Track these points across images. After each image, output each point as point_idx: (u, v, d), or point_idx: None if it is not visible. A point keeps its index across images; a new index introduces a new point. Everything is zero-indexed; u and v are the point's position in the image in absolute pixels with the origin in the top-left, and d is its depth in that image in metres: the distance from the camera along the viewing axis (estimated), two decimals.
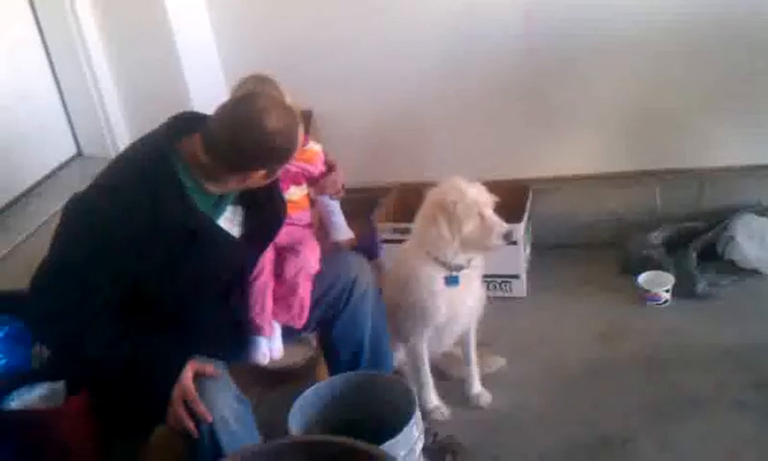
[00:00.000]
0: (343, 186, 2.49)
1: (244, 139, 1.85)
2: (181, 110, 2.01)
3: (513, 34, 3.34)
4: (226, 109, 1.90)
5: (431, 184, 2.96)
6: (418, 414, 2.04)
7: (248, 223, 2.11)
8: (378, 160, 3.72)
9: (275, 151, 1.89)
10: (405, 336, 2.65)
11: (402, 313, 2.61)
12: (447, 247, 2.51)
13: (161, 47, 3.27)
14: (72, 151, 3.40)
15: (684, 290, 3.12)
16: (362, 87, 3.60)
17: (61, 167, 3.32)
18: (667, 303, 3.12)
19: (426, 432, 2.50)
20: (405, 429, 1.94)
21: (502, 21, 3.33)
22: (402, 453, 1.93)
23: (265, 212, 2.13)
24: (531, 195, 3.42)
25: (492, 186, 3.37)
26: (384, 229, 3.31)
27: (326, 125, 3.66)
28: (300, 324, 2.31)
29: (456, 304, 2.58)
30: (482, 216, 2.48)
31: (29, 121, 3.11)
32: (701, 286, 3.10)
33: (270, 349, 2.31)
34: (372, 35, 3.49)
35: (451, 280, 2.54)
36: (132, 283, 1.90)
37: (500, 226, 2.47)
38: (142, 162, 1.91)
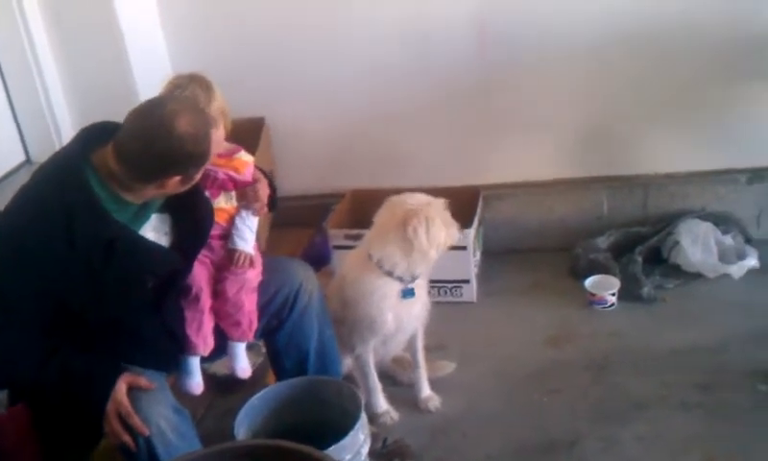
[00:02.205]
0: (268, 204, 2.33)
1: (154, 146, 1.81)
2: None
3: (464, 42, 3.38)
4: (134, 116, 1.85)
5: (383, 191, 2.98)
6: (363, 418, 2.04)
7: (176, 230, 2.08)
8: (331, 168, 3.73)
9: (186, 156, 1.85)
10: (351, 346, 2.65)
11: (348, 325, 2.61)
12: (420, 257, 2.52)
13: (111, 50, 3.23)
14: (21, 158, 3.33)
15: (629, 293, 3.18)
16: (314, 96, 3.60)
17: (9, 174, 3.25)
18: (614, 307, 3.17)
19: (375, 437, 2.51)
20: (350, 433, 1.94)
21: (454, 30, 3.37)
22: (348, 457, 1.94)
23: (192, 218, 2.09)
24: (481, 200, 3.45)
25: (444, 192, 3.42)
26: (336, 235, 3.30)
27: (279, 133, 3.68)
28: (251, 337, 2.30)
29: (403, 315, 2.59)
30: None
31: None
32: (646, 290, 3.16)
33: (238, 367, 2.30)
34: (325, 43, 3.49)
35: (407, 293, 2.55)
36: (56, 299, 1.86)
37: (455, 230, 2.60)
38: (54, 177, 1.88)
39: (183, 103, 1.92)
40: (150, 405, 1.90)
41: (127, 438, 1.86)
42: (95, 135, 1.92)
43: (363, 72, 3.51)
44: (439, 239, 2.52)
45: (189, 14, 3.53)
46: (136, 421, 1.86)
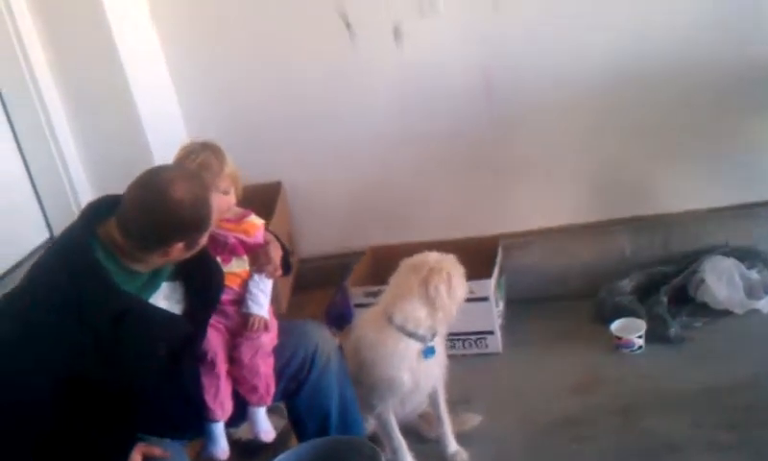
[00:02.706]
0: (281, 266, 2.32)
1: (152, 216, 1.85)
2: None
3: (472, 92, 3.41)
4: (132, 188, 1.90)
5: (402, 246, 3.01)
6: None
7: (188, 297, 2.10)
8: (349, 227, 3.76)
9: (185, 222, 1.88)
10: (370, 406, 2.63)
11: (366, 387, 2.60)
12: (443, 314, 2.54)
13: (126, 122, 3.30)
14: (45, 235, 3.40)
15: (656, 335, 3.13)
16: (329, 158, 3.66)
17: (35, 252, 3.31)
18: (641, 350, 3.12)
19: None
20: None
21: (461, 80, 3.41)
22: None
23: (203, 284, 2.11)
24: (500, 250, 3.45)
25: (462, 244, 3.45)
26: (357, 293, 3.31)
27: (296, 196, 3.74)
28: (269, 401, 2.30)
29: (421, 374, 2.58)
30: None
31: None
32: (673, 330, 3.11)
33: (260, 430, 2.31)
34: (336, 106, 3.55)
35: (429, 352, 2.55)
36: (69, 377, 1.87)
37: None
38: (61, 254, 1.92)
39: (179, 170, 1.96)
40: None
41: None
42: (100, 209, 1.96)
43: (373, 131, 3.56)
44: (460, 295, 2.54)
45: (203, 82, 3.63)
46: None
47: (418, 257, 2.64)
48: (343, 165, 3.65)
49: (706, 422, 2.63)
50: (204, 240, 1.99)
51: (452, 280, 2.54)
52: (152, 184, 1.88)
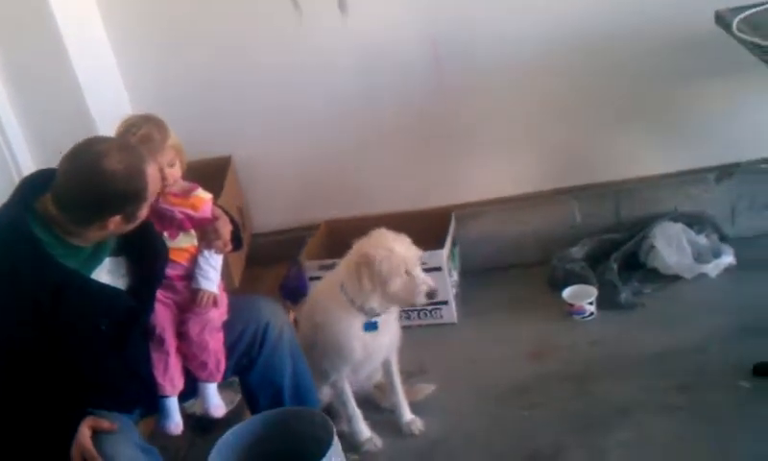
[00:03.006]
0: (232, 241, 2.29)
1: (85, 187, 1.82)
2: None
3: (421, 61, 3.37)
4: (64, 161, 1.86)
5: (355, 220, 3.00)
6: (336, 444, 2.01)
7: (132, 272, 2.08)
8: (303, 201, 3.72)
9: (118, 195, 1.85)
10: (324, 374, 2.63)
11: (318, 352, 2.60)
12: (370, 298, 2.52)
13: (67, 95, 3.22)
14: None
15: (607, 301, 3.17)
16: (279, 130, 3.60)
17: None
18: (593, 316, 3.15)
19: None
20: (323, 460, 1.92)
21: (409, 49, 3.36)
22: None
23: (146, 259, 2.09)
24: (453, 221, 3.45)
25: (416, 215, 3.44)
26: (311, 266, 3.29)
27: (248, 169, 3.68)
28: (219, 377, 2.29)
29: (371, 345, 2.59)
30: (408, 274, 2.48)
31: None
32: (624, 296, 3.15)
33: (210, 405, 2.30)
34: (283, 77, 3.49)
35: (370, 326, 2.54)
36: (10, 350, 1.85)
37: (425, 284, 2.48)
38: None
39: (112, 142, 1.93)
40: (114, 446, 1.89)
41: None
42: (35, 184, 1.93)
43: (324, 103, 3.51)
44: (390, 288, 2.48)
45: (147, 54, 3.53)
46: None
47: (362, 242, 2.59)
48: (293, 138, 3.60)
49: (656, 385, 2.67)
50: (143, 213, 1.95)
51: (381, 270, 2.47)
52: (84, 157, 1.85)
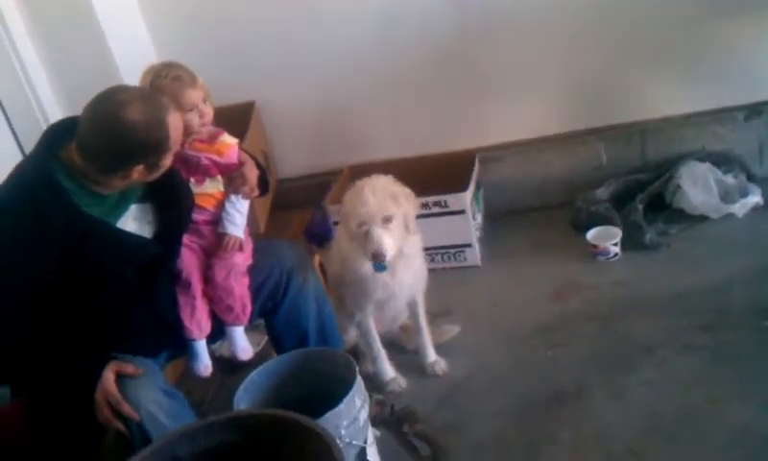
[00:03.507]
0: (258, 186, 2.33)
1: (107, 138, 1.84)
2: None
3: (445, 4, 3.34)
4: (87, 111, 1.88)
5: (379, 164, 3.00)
6: (359, 384, 2.04)
7: (159, 218, 2.10)
8: (327, 146, 3.74)
9: (140, 144, 1.86)
10: (350, 311, 2.67)
11: (344, 289, 2.65)
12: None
13: (92, 44, 3.25)
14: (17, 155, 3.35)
15: (632, 242, 3.16)
16: (304, 76, 3.60)
17: None
18: (617, 257, 3.15)
19: (383, 404, 2.54)
20: (344, 400, 1.95)
21: None
22: (345, 423, 1.94)
23: (172, 205, 2.11)
24: (477, 163, 3.44)
25: (440, 158, 3.44)
26: (335, 211, 3.31)
27: (272, 115, 3.70)
28: (245, 320, 2.33)
29: (391, 284, 2.60)
30: (362, 226, 2.43)
31: None
32: (649, 236, 3.14)
33: (238, 348, 2.35)
34: (308, 21, 3.49)
35: (377, 267, 2.52)
36: (40, 295, 1.89)
37: (373, 244, 2.40)
38: (21, 177, 1.92)
39: (132, 92, 1.93)
40: (138, 391, 1.94)
41: (118, 424, 1.92)
42: (60, 133, 1.95)
43: (349, 48, 3.50)
44: (352, 237, 2.50)
45: (171, 8, 3.54)
46: (125, 407, 1.91)
47: (357, 184, 2.54)
48: (317, 84, 3.60)
49: (680, 325, 2.67)
50: (166, 162, 1.97)
51: (343, 219, 2.52)
52: (105, 106, 1.86)
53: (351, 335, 2.77)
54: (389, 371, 2.73)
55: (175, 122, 1.94)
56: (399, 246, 2.48)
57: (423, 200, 3.06)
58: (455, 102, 3.53)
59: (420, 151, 3.49)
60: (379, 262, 2.43)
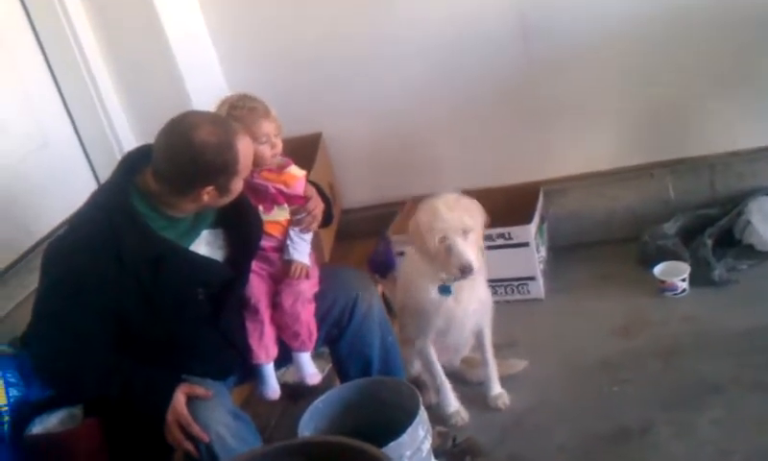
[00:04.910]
0: (323, 217, 2.39)
1: (178, 159, 1.91)
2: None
3: (509, 34, 3.36)
4: (160, 135, 1.96)
5: None
6: (423, 414, 2.06)
7: (229, 244, 2.17)
8: (390, 177, 3.77)
9: (210, 165, 1.92)
10: (412, 338, 2.69)
11: (408, 317, 2.68)
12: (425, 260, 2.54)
13: (168, 80, 3.38)
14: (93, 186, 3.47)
15: (701, 278, 3.10)
16: (370, 108, 3.66)
17: None
18: (685, 293, 3.10)
19: (446, 436, 2.55)
20: (408, 430, 1.96)
21: (497, 24, 3.36)
22: (408, 453, 1.96)
23: (242, 231, 2.18)
24: (541, 196, 3.44)
25: (504, 191, 3.45)
26: (398, 241, 3.35)
27: (337, 146, 3.76)
28: (311, 346, 2.38)
29: (454, 310, 2.61)
30: (444, 241, 2.44)
31: (51, 169, 3.16)
32: (717, 272, 3.08)
33: (305, 374, 2.39)
34: (373, 55, 3.55)
35: (443, 290, 2.55)
36: (115, 317, 1.96)
37: (459, 257, 2.41)
38: (101, 202, 2.00)
39: (203, 115, 2.01)
40: (208, 413, 1.98)
41: (188, 445, 1.96)
42: (136, 159, 2.05)
43: (413, 78, 3.54)
44: (428, 251, 2.49)
45: (242, 36, 3.65)
46: (195, 429, 1.95)
47: (428, 200, 2.56)
48: (383, 117, 3.65)
49: (749, 362, 2.61)
50: (237, 186, 2.04)
51: (415, 233, 2.52)
52: (177, 129, 1.94)
53: (416, 367, 2.79)
54: (453, 402, 2.73)
55: (245, 146, 2.01)
56: (480, 261, 2.49)
57: (488, 232, 3.06)
58: (520, 133, 3.54)
59: (484, 183, 3.49)
60: (467, 274, 2.43)
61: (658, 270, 3.16)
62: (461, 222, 2.44)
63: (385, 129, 3.67)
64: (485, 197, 3.44)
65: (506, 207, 3.33)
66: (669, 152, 3.45)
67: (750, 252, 3.19)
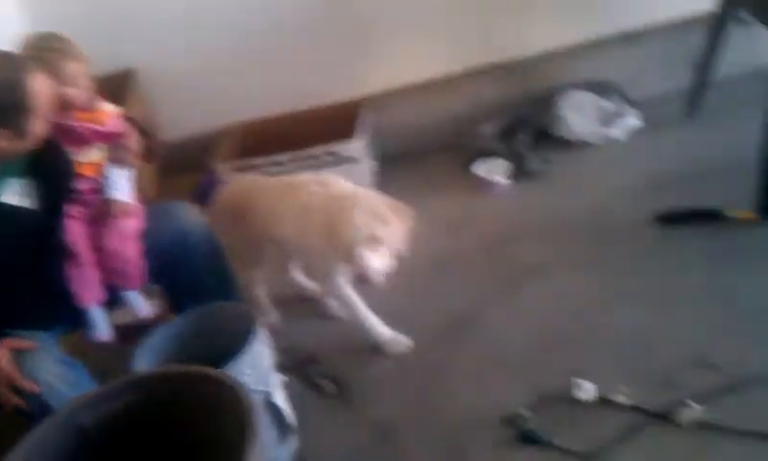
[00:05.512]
0: (146, 152, 2.33)
1: None
2: None
3: None
4: None
5: (266, 121, 2.96)
6: (260, 332, 2.05)
7: (40, 191, 2.07)
8: (212, 106, 3.66)
9: None
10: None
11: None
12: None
13: None
14: None
15: (519, 172, 3.26)
16: (183, 38, 3.53)
17: None
18: (506, 188, 3.25)
19: (287, 351, 2.56)
20: (246, 349, 1.96)
21: None
22: (248, 371, 1.95)
23: (53, 178, 2.09)
24: (364, 111, 3.46)
25: (326, 109, 3.45)
26: (224, 170, 3.28)
27: (156, 78, 3.61)
28: (141, 284, 2.30)
29: None
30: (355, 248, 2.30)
31: None
32: (534, 164, 3.25)
33: (138, 310, 2.32)
34: None
35: None
36: None
37: (361, 266, 2.29)
38: None
39: None
40: (35, 364, 1.92)
41: (16, 400, 1.89)
42: None
43: (225, 8, 3.46)
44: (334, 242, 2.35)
45: None
46: (23, 382, 1.89)
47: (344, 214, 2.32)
48: (197, 46, 3.53)
49: (569, 245, 2.80)
50: (35, 128, 1.93)
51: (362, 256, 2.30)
52: None
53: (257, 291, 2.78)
54: (386, 331, 2.56)
55: (38, 85, 1.90)
56: (388, 267, 2.34)
57: (315, 151, 3.07)
58: (338, 52, 3.53)
59: (307, 103, 3.49)
60: (364, 283, 2.31)
61: (478, 168, 3.29)
62: (372, 231, 2.29)
63: (202, 58, 3.55)
64: (308, 117, 3.47)
65: (331, 125, 3.35)
66: (483, 56, 3.55)
67: (563, 144, 3.39)
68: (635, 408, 2.02)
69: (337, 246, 2.32)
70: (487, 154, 3.34)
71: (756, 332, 2.17)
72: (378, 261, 2.30)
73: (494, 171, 3.24)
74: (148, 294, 2.53)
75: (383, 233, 2.30)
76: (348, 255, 2.29)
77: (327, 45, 3.53)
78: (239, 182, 2.82)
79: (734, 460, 1.81)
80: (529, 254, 2.78)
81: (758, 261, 2.43)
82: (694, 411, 1.93)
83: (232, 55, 3.54)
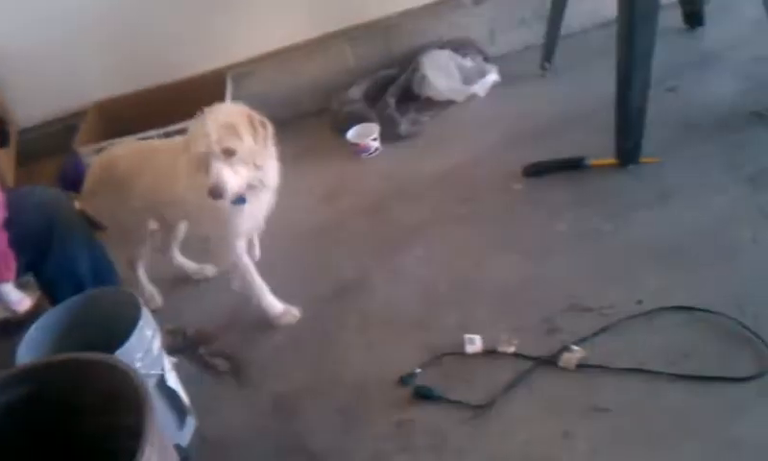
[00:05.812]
0: None
1: None
2: None
3: None
4: None
5: (125, 97, 2.86)
6: (146, 315, 2.01)
7: None
8: (68, 88, 3.51)
9: None
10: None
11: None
12: None
13: None
14: None
15: (389, 135, 3.31)
16: (34, 18, 3.35)
17: None
18: (378, 152, 3.30)
19: (175, 332, 2.53)
20: (135, 332, 1.91)
21: None
22: (139, 355, 1.91)
23: None
24: (229, 81, 3.40)
25: (188, 83, 3.37)
26: (87, 152, 3.15)
27: (5, 65, 3.40)
28: (11, 275, 2.18)
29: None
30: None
31: None
32: (403, 127, 3.31)
33: (12, 303, 2.16)
34: None
35: (238, 201, 2.36)
36: None
37: (211, 177, 2.20)
38: None
39: None
40: None
41: None
42: None
43: None
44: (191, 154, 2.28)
45: None
46: None
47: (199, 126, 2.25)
48: (47, 26, 3.36)
49: (442, 202, 2.88)
50: None
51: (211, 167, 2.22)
52: None
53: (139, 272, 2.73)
54: (276, 303, 2.53)
55: None
56: (245, 183, 2.29)
57: (172, 128, 2.98)
58: (199, 22, 3.45)
59: (169, 76, 3.39)
60: (215, 197, 2.20)
61: (350, 134, 3.32)
62: (222, 142, 2.19)
63: (54, 37, 3.38)
64: (170, 92, 3.38)
65: (195, 99, 3.25)
66: (345, 20, 3.57)
67: (429, 103, 3.46)
68: (520, 356, 2.11)
69: (193, 150, 2.23)
70: (357, 119, 3.37)
71: (621, 272, 2.31)
72: (234, 178, 2.23)
73: (366, 135, 3.28)
74: (22, 286, 2.43)
75: (236, 146, 2.21)
76: (203, 165, 2.21)
77: (189, 16, 3.44)
78: (112, 153, 2.67)
79: (615, 394, 1.93)
80: (407, 215, 2.84)
81: (619, 204, 2.59)
82: (575, 353, 2.04)
83: (85, 32, 3.39)
